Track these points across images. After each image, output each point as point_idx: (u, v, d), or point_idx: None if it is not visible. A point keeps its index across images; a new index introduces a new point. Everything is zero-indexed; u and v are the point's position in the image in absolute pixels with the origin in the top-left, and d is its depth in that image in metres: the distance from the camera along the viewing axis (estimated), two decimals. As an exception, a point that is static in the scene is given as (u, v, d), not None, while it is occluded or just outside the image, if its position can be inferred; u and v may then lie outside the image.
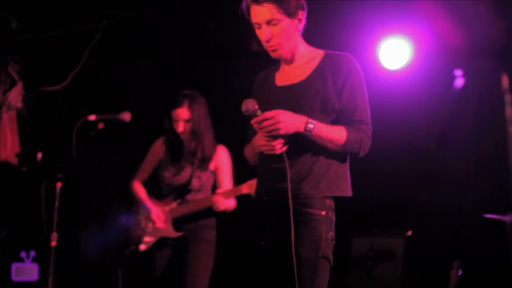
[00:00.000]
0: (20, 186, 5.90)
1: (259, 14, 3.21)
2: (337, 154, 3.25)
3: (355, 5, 5.75)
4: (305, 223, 3.17)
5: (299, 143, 3.16)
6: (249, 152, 3.49)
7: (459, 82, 5.99)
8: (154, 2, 5.85)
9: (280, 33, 3.22)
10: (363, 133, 3.23)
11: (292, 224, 3.07)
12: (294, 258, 3.06)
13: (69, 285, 6.08)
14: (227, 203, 4.95)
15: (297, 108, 3.16)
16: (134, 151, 6.15)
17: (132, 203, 5.32)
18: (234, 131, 4.20)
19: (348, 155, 3.31)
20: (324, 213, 3.20)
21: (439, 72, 6.00)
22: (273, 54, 3.31)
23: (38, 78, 5.98)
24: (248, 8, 3.26)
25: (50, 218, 4.76)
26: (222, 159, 5.11)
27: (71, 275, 6.28)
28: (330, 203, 3.23)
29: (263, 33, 3.23)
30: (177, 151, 5.11)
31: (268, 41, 3.25)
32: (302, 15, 3.29)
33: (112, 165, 6.60)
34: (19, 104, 5.77)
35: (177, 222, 5.03)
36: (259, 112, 3.10)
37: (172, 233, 5.03)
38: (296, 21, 3.27)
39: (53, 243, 4.71)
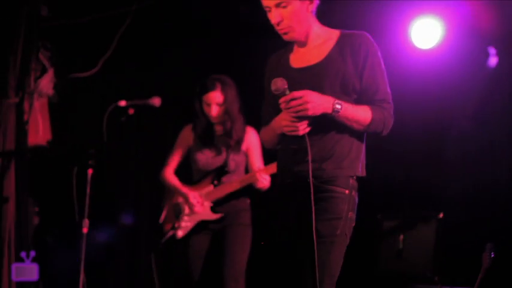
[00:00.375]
0: (51, 172, 5.96)
1: None
2: (358, 134, 3.25)
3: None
4: (328, 200, 3.18)
5: (321, 123, 3.15)
6: (267, 134, 3.47)
7: (492, 61, 5.91)
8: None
9: (290, 15, 3.19)
10: (386, 112, 3.23)
11: (312, 203, 3.08)
12: (315, 235, 3.08)
13: (99, 272, 6.14)
14: (268, 179, 4.95)
15: (317, 89, 3.12)
16: (164, 136, 6.17)
17: (162, 191, 5.33)
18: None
19: (365, 135, 3.30)
20: (348, 192, 3.20)
21: (471, 51, 5.91)
22: (284, 37, 3.29)
23: (68, 65, 6.03)
24: None
25: (81, 204, 4.81)
26: (252, 140, 5.10)
27: (101, 263, 6.34)
28: (353, 182, 3.24)
29: (273, 16, 3.21)
30: (209, 135, 5.10)
31: (278, 24, 3.21)
32: None
33: (143, 151, 6.64)
34: (50, 91, 5.82)
35: (212, 208, 5.03)
36: (288, 91, 3.10)
37: (212, 215, 5.02)
38: (307, 2, 3.23)
39: (85, 230, 4.76)
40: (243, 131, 5.07)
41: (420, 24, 6.07)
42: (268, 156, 4.82)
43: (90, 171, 4.89)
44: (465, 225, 5.69)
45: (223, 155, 5.04)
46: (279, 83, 3.09)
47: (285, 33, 3.25)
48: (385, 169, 5.98)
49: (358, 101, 3.22)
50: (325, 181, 3.19)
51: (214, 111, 4.99)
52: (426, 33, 6.07)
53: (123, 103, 4.93)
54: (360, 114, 3.16)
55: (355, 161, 3.24)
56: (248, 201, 5.08)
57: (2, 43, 5.76)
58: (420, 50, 6.12)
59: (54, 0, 5.76)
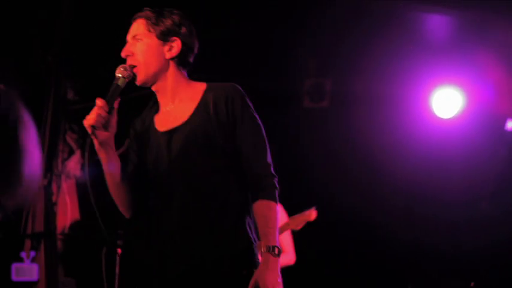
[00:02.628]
0: (81, 253, 5.97)
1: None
2: None
3: (409, 56, 5.85)
4: None
5: None
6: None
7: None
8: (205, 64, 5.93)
9: (141, 51, 2.94)
10: (270, 196, 2.89)
11: None
12: None
13: None
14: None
15: (183, 155, 2.87)
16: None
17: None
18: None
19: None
20: None
21: (491, 121, 5.97)
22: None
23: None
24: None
25: (111, 284, 4.80)
26: None
27: None
28: None
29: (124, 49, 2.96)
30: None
31: (127, 57, 2.96)
32: (176, 41, 2.96)
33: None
34: (78, 173, 5.87)
35: None
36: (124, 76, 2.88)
37: None
38: (160, 42, 2.95)
39: (115, 310, 4.76)
40: None
41: (441, 94, 6.15)
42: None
43: (119, 251, 4.89)
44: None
45: None
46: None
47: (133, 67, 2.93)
48: (413, 235, 5.99)
49: (233, 169, 2.90)
50: None
51: None
52: (447, 103, 6.14)
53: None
54: (276, 228, 2.87)
55: None
56: None
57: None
58: (441, 119, 6.18)
59: (79, 83, 5.86)
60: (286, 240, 5.00)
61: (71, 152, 5.91)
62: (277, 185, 2.91)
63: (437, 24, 5.72)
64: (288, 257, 5.00)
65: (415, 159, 6.23)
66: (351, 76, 6.34)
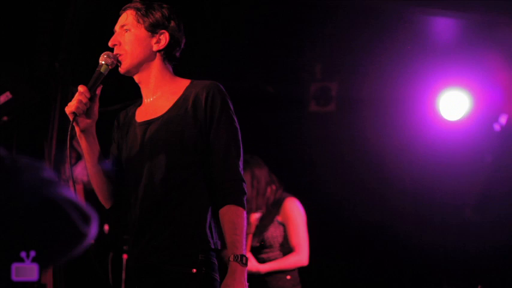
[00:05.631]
0: (87, 258, 5.98)
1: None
2: None
3: (416, 59, 5.85)
4: None
5: None
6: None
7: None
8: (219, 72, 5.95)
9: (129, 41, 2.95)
10: (240, 205, 2.84)
11: None
12: None
13: None
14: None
15: (153, 147, 2.87)
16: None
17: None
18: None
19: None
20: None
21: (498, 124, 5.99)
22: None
23: (102, 151, 6.10)
24: None
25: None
26: (290, 212, 5.05)
27: None
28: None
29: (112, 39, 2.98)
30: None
31: (113, 46, 2.97)
32: (164, 34, 2.98)
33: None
34: (85, 178, 5.88)
35: None
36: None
37: None
38: (148, 34, 2.96)
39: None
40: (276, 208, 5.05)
41: (448, 97, 6.15)
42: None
43: (125, 257, 4.90)
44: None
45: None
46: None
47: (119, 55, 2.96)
48: (421, 239, 6.00)
49: (202, 168, 2.87)
50: None
51: None
52: (454, 105, 6.14)
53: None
54: (243, 237, 2.81)
55: None
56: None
57: (36, 132, 5.86)
58: (447, 121, 6.18)
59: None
60: (302, 240, 4.98)
61: (79, 158, 5.93)
62: (245, 191, 2.87)
63: (444, 26, 5.73)
64: (299, 256, 4.98)
65: (422, 161, 6.24)
66: (357, 80, 6.35)
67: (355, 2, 5.36)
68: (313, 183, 6.29)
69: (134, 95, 3.09)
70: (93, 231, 1.50)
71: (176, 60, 3.06)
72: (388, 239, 6.26)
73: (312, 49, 6.14)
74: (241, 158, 2.90)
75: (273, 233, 4.98)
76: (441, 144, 6.16)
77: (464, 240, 6.10)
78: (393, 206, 6.27)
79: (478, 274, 5.88)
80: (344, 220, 6.26)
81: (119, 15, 3.02)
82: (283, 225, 4.98)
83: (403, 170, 6.24)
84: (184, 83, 3.00)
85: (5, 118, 5.71)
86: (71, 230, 1.45)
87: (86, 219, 1.48)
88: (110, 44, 2.96)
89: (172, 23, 2.99)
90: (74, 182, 3.07)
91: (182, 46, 3.06)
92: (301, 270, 4.99)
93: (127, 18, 2.96)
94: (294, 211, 5.02)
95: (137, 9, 2.96)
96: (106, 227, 5.88)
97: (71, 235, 1.46)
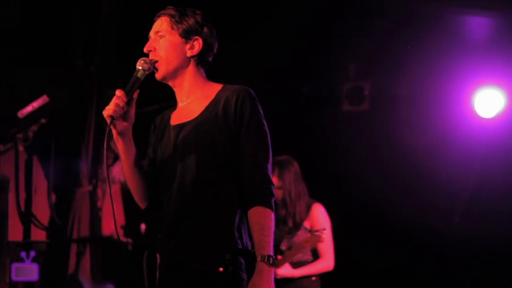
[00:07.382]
0: (123, 257, 6.07)
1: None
2: None
3: (451, 57, 5.87)
4: None
5: None
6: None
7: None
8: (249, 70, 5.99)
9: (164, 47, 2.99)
10: (268, 207, 2.86)
11: None
12: None
13: None
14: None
15: (185, 149, 2.92)
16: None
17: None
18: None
19: None
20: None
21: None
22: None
23: (139, 151, 6.18)
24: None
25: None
26: (317, 218, 5.08)
27: None
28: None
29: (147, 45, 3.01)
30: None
31: (149, 52, 3.00)
32: (197, 40, 3.00)
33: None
34: (122, 178, 5.97)
35: None
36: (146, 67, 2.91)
37: None
38: (182, 40, 3.00)
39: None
40: (304, 214, 5.06)
41: (483, 95, 6.16)
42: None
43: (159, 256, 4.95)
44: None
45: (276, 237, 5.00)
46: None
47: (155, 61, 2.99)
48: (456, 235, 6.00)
49: (232, 170, 2.91)
50: None
51: None
52: (489, 103, 6.15)
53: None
54: (270, 238, 2.83)
55: None
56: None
57: (73, 133, 5.96)
58: (483, 119, 6.18)
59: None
60: (326, 245, 5.00)
61: (116, 159, 6.02)
62: (274, 193, 2.90)
63: (479, 25, 5.71)
64: (327, 262, 5.01)
65: (458, 158, 6.22)
66: (390, 79, 6.35)
67: (390, 2, 5.37)
68: (348, 182, 6.30)
69: (170, 97, 3.14)
70: None
71: (209, 65, 3.11)
72: (425, 237, 6.25)
73: (345, 49, 6.15)
74: (270, 161, 2.93)
75: (300, 238, 5.02)
76: (476, 141, 6.15)
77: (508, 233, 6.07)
78: (429, 203, 6.26)
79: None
80: (380, 218, 6.26)
81: (152, 20, 3.08)
82: (310, 231, 5.03)
83: (438, 166, 6.22)
84: (217, 87, 3.03)
85: (43, 121, 5.83)
86: None
87: None
88: (145, 50, 3.00)
89: (206, 29, 3.02)
90: (109, 182, 3.09)
91: (215, 51, 3.10)
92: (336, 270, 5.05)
93: (161, 25, 3.00)
94: (321, 217, 5.07)
95: (171, 16, 3.00)
96: (143, 227, 5.94)
97: None
